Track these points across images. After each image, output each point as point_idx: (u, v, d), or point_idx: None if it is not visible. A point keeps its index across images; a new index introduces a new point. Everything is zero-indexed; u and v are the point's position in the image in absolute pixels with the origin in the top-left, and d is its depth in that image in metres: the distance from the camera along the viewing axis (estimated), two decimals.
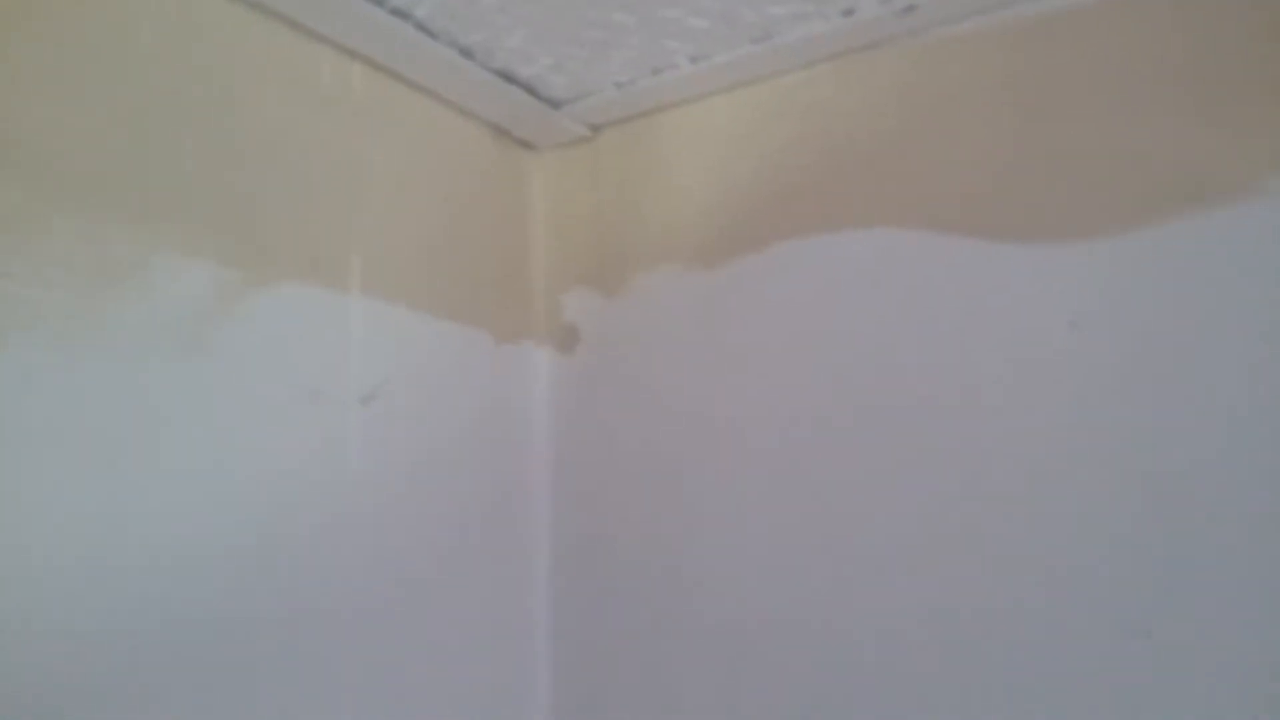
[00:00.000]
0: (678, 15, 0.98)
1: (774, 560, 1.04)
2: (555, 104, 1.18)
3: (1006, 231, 0.95)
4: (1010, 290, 0.94)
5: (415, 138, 1.08)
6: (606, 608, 1.16)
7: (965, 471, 0.94)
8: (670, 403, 1.15)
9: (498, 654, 1.12)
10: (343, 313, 0.95)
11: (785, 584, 1.03)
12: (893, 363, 0.99)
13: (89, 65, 0.76)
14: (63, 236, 0.73)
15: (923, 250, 0.99)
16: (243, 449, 0.84)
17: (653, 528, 1.14)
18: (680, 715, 1.09)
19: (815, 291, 1.06)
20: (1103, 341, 0.89)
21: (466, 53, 1.03)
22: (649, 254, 1.19)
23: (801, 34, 1.01)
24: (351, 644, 0.92)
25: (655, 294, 1.18)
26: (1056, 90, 0.94)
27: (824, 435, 1.02)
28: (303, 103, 0.94)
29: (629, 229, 1.22)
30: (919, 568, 0.95)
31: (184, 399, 0.80)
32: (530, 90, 1.14)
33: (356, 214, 0.99)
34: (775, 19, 0.99)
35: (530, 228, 1.28)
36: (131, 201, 0.78)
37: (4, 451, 0.68)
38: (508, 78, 1.10)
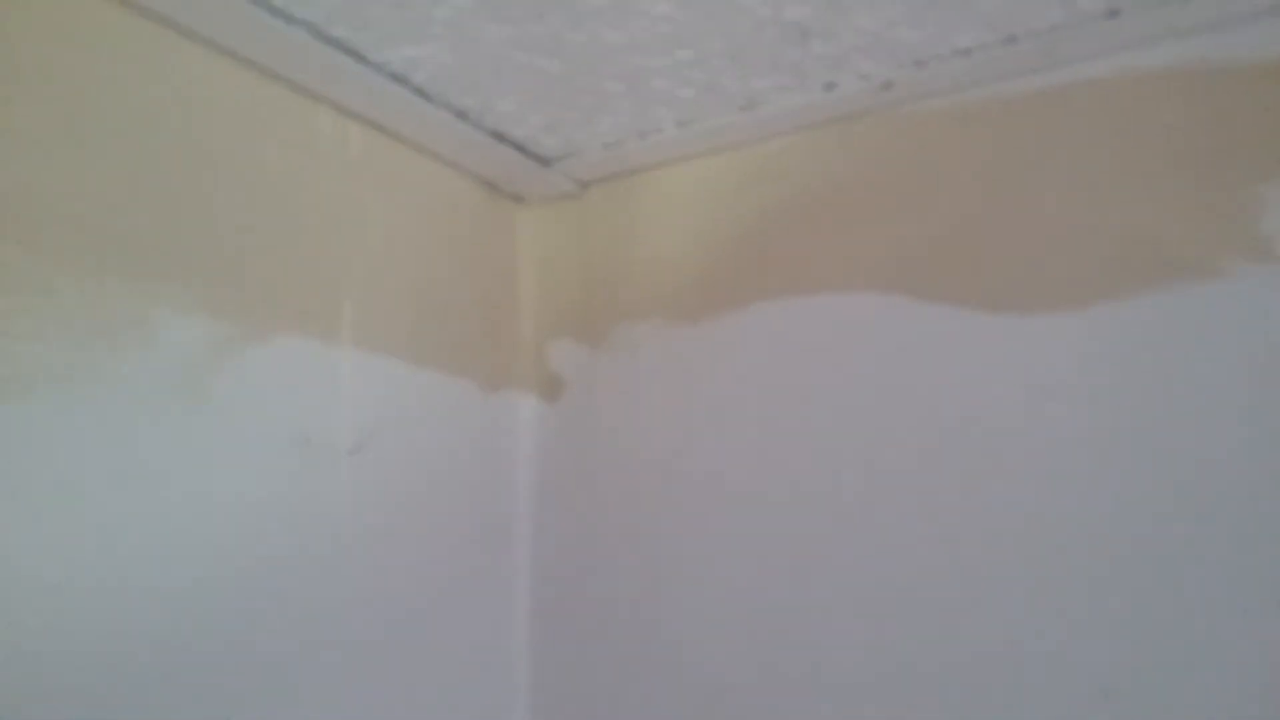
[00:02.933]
0: (666, 85, 1.02)
1: (751, 611, 1.07)
2: (545, 161, 1.21)
3: (976, 300, 0.99)
4: (978, 357, 0.97)
5: (408, 192, 1.12)
6: (586, 653, 1.18)
7: (934, 531, 0.97)
8: (651, 453, 1.18)
9: (479, 700, 1.14)
10: (333, 363, 0.98)
11: (761, 634, 1.05)
12: (865, 422, 1.02)
13: (89, 125, 0.79)
14: (63, 296, 0.75)
15: (895, 314, 1.03)
16: (235, 496, 0.86)
17: (632, 576, 1.16)
18: None
19: (792, 351, 1.09)
20: (1069, 411, 0.92)
21: (461, 114, 1.07)
22: (633, 308, 1.23)
23: (784, 105, 1.06)
24: (334, 687, 0.94)
25: (638, 347, 1.21)
26: (1026, 166, 0.98)
27: (800, 490, 1.05)
28: (300, 159, 0.97)
29: (614, 283, 1.25)
30: (892, 619, 0.98)
31: (180, 449, 0.82)
32: (520, 148, 1.17)
33: (348, 266, 1.01)
34: (759, 91, 1.04)
35: (518, 280, 1.31)
36: (130, 259, 0.80)
37: (4, 503, 0.70)
38: (500, 137, 1.13)
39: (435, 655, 1.07)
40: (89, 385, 0.76)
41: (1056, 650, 0.89)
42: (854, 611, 1.00)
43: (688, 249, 1.20)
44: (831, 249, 1.08)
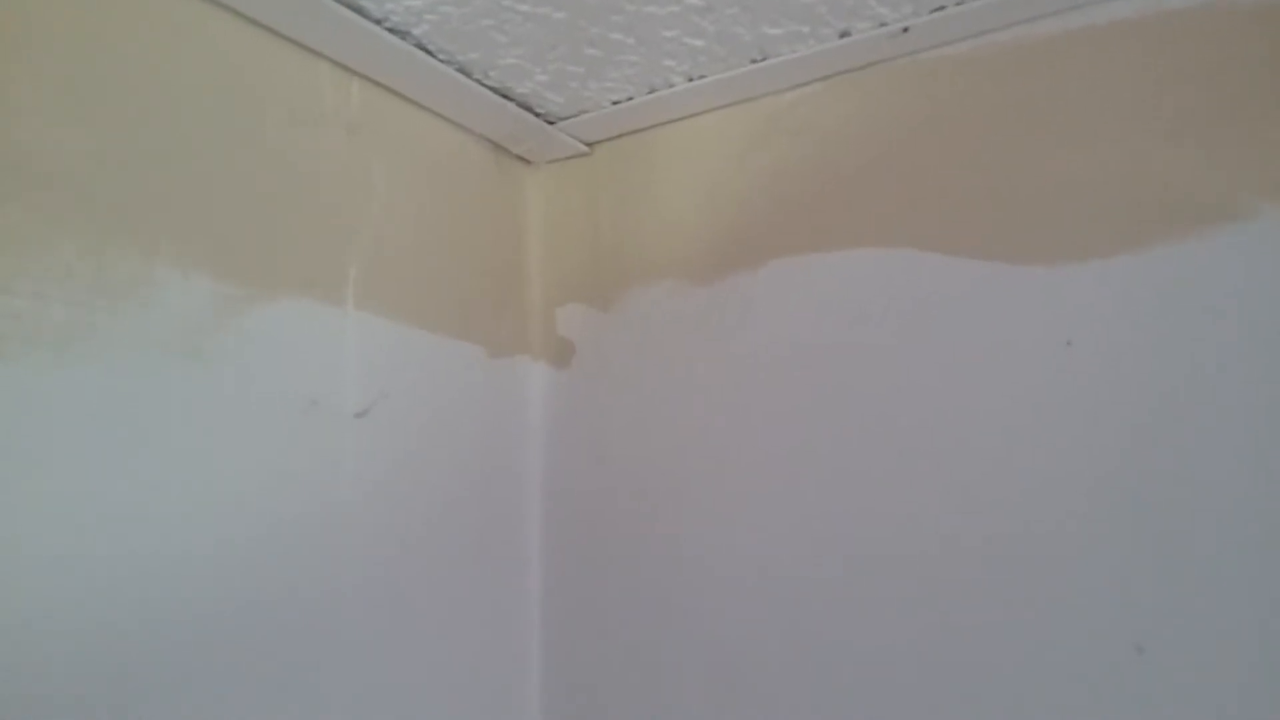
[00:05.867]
0: (675, 35, 0.99)
1: (768, 574, 1.05)
2: (551, 120, 1.19)
3: (999, 251, 0.96)
4: (1004, 309, 0.95)
5: (413, 153, 1.09)
6: (599, 618, 1.17)
7: (961, 487, 0.94)
8: (663, 417, 1.15)
9: (489, 664, 1.13)
10: (339, 326, 0.96)
11: (779, 601, 1.03)
12: (885, 380, 1.00)
13: (89, 83, 0.76)
14: (63, 253, 0.73)
15: (915, 269, 1.00)
16: (240, 458, 0.85)
17: (645, 540, 1.14)
18: None
19: (809, 310, 1.06)
20: (1099, 360, 0.89)
21: (464, 70, 1.04)
22: (644, 269, 1.20)
23: (797, 55, 1.03)
24: (342, 652, 0.92)
25: (649, 309, 1.19)
26: (1050, 112, 0.95)
27: (817, 451, 1.03)
28: (303, 118, 0.94)
29: (624, 244, 1.23)
30: (914, 582, 0.95)
31: (183, 411, 0.80)
32: (526, 107, 1.14)
33: (353, 228, 0.99)
34: (771, 39, 1.00)
35: (526, 242, 1.28)
36: (131, 218, 0.78)
37: (5, 463, 0.68)
38: (504, 95, 1.11)
39: (444, 619, 1.06)
40: (90, 344, 0.74)
41: (1090, 606, 0.87)
42: (878, 573, 0.98)
43: (699, 208, 1.17)
44: (848, 203, 1.05)
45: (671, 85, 1.10)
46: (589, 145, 1.26)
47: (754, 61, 1.05)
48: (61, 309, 0.72)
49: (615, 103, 1.14)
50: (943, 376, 0.97)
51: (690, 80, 1.09)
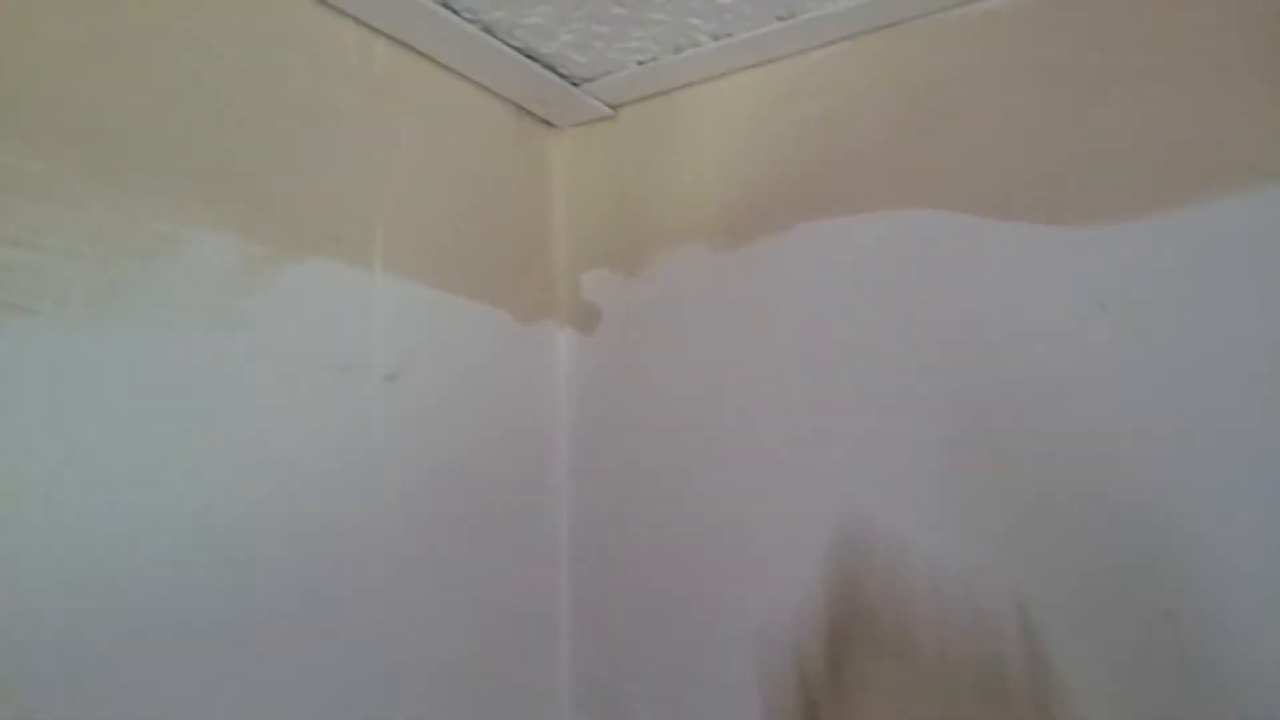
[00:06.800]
0: None
1: (797, 540, 1.04)
2: (576, 82, 1.18)
3: (1033, 212, 0.94)
4: (1037, 271, 0.93)
5: (438, 115, 1.08)
6: (627, 584, 1.17)
7: (993, 450, 0.93)
8: (690, 382, 1.15)
9: (516, 631, 1.13)
10: (367, 288, 0.96)
11: (808, 565, 1.03)
12: (918, 343, 0.99)
13: (118, 40, 0.76)
14: (93, 210, 0.73)
15: (947, 231, 0.99)
16: (270, 419, 0.85)
17: (673, 506, 1.14)
18: (700, 704, 1.09)
19: (838, 273, 1.05)
20: (1131, 323, 0.88)
21: (489, 29, 1.03)
22: (670, 233, 1.19)
23: (826, 11, 1.01)
24: (371, 614, 0.93)
25: (676, 274, 1.18)
26: (1085, 69, 0.93)
27: (848, 415, 1.02)
28: (328, 78, 0.94)
29: (650, 208, 1.22)
30: (948, 543, 0.95)
31: (212, 370, 0.80)
32: (550, 68, 1.13)
33: (380, 190, 0.99)
34: None
35: (551, 207, 1.28)
36: (161, 175, 0.78)
37: (35, 421, 0.68)
38: (529, 55, 1.10)
39: (470, 587, 1.06)
40: (121, 302, 0.74)
41: (1115, 568, 0.86)
42: (908, 536, 0.97)
43: (726, 170, 1.16)
44: (878, 164, 1.04)
45: (697, 44, 1.09)
46: (613, 108, 1.25)
47: (780, 19, 1.04)
48: (92, 267, 0.72)
49: (640, 63, 1.13)
50: (974, 339, 0.96)
51: (716, 39, 1.08)
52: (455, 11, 0.99)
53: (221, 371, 0.81)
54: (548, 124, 1.28)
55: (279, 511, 0.85)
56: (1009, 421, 0.93)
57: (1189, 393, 0.85)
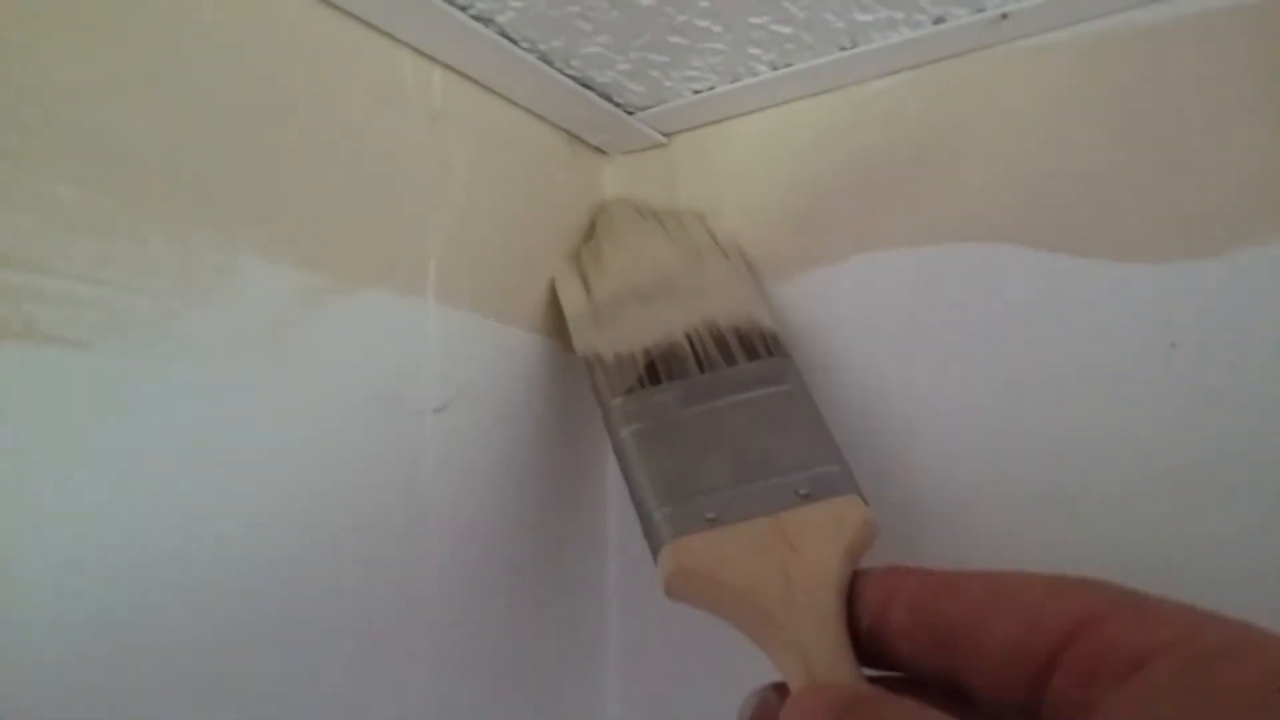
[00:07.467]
0: (763, 21, 0.95)
1: None
2: (630, 110, 1.16)
3: (1101, 249, 0.91)
4: (1104, 311, 0.90)
5: (492, 143, 1.07)
6: (675, 627, 1.14)
7: (1053, 494, 0.90)
8: None
9: (566, 665, 1.11)
10: (420, 318, 0.95)
11: None
12: (978, 384, 0.96)
13: (176, 71, 0.75)
14: (151, 242, 0.72)
15: (1009, 266, 0.96)
16: (320, 451, 0.83)
17: None
18: None
19: (895, 307, 1.02)
20: (1203, 364, 0.85)
21: (545, 59, 1.02)
22: None
23: (890, 41, 0.99)
24: (422, 648, 0.91)
25: None
26: (1158, 102, 0.90)
27: (907, 458, 0.99)
28: (386, 107, 0.93)
29: None
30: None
31: (267, 401, 0.79)
32: (605, 96, 1.12)
33: (435, 219, 0.98)
34: (862, 26, 0.97)
35: None
36: (217, 206, 0.77)
37: (95, 457, 0.67)
38: (584, 84, 1.09)
39: (520, 620, 1.04)
40: (176, 334, 0.73)
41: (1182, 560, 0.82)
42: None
43: (779, 200, 1.14)
44: (940, 196, 1.01)
45: (756, 74, 1.07)
46: (666, 136, 1.23)
47: (842, 49, 1.01)
48: (148, 300, 0.71)
49: (696, 92, 1.11)
50: (1041, 380, 0.92)
51: (775, 69, 1.06)
52: (514, 41, 0.98)
53: (276, 401, 0.80)
54: (600, 151, 1.27)
55: (329, 547, 0.83)
56: (1083, 460, 0.89)
57: (1266, 431, 0.81)
